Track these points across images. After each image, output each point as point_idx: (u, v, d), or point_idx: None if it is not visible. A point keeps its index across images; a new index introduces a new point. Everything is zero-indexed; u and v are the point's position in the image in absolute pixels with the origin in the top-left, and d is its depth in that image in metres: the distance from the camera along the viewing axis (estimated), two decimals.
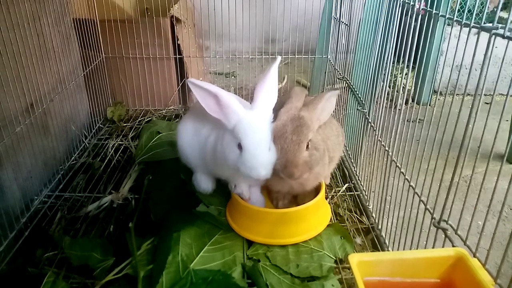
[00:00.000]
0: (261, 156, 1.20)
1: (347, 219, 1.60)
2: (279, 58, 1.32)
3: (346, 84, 2.11)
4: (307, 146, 1.25)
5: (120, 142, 2.19)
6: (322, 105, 1.33)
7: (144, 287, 1.18)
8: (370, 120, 1.67)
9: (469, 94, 0.93)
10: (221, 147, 1.28)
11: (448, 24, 1.30)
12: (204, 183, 1.54)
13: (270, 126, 1.25)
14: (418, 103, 3.29)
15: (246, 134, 1.19)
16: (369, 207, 1.66)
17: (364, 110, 1.73)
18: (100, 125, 2.40)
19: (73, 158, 1.99)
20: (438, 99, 3.14)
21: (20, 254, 1.38)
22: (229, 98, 1.22)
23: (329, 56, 2.60)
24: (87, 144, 2.16)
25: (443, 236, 1.07)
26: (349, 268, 1.24)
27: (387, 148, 1.45)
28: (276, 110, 1.38)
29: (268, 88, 1.27)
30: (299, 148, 1.23)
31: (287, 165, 1.22)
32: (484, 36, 0.89)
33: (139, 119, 2.49)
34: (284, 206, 1.48)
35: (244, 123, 1.21)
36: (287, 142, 1.23)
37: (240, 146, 1.20)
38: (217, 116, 1.24)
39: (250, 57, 2.82)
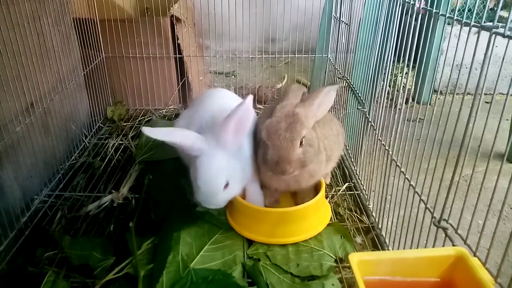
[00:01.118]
0: (212, 194, 1.26)
1: (347, 218, 1.60)
2: (250, 97, 1.27)
3: (346, 84, 2.11)
4: (301, 143, 1.25)
5: (120, 142, 2.19)
6: (319, 101, 1.32)
7: (144, 286, 1.18)
8: (370, 119, 1.67)
9: (469, 94, 0.93)
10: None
11: (448, 23, 1.30)
12: None
13: (233, 161, 1.28)
14: (418, 103, 3.29)
15: (199, 173, 1.24)
16: (369, 206, 1.66)
17: (364, 110, 1.73)
18: (100, 125, 2.40)
19: (73, 157, 1.99)
20: (438, 99, 3.14)
21: (20, 254, 1.38)
22: (198, 142, 1.24)
23: (329, 56, 2.59)
24: (87, 144, 2.16)
25: (444, 235, 1.07)
26: (349, 267, 1.24)
27: (387, 147, 1.45)
28: (272, 107, 1.37)
29: (237, 125, 1.26)
30: (292, 145, 1.22)
31: (280, 161, 1.22)
32: (484, 35, 0.89)
33: (139, 119, 2.49)
34: (271, 204, 1.48)
35: (201, 160, 1.25)
36: (280, 139, 1.22)
37: (195, 180, 1.26)
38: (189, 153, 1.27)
39: (250, 56, 2.82)
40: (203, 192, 1.26)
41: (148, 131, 1.21)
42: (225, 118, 1.25)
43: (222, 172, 1.26)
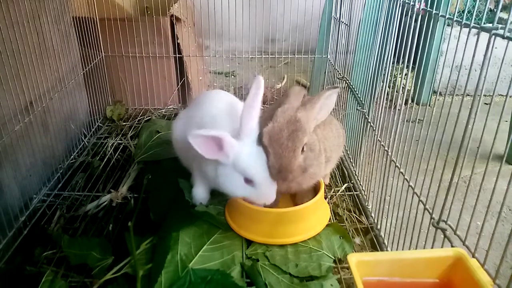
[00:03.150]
0: (273, 185, 1.25)
1: (346, 219, 1.60)
2: (261, 80, 1.27)
3: (346, 84, 2.11)
4: (302, 149, 1.25)
5: (120, 141, 2.19)
6: (320, 104, 1.32)
7: (143, 286, 1.18)
8: (369, 120, 1.67)
9: (468, 95, 0.93)
10: (220, 179, 1.28)
11: (448, 25, 1.30)
12: (199, 193, 1.50)
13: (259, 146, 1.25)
14: (417, 104, 3.28)
15: (252, 168, 1.21)
16: (368, 207, 1.66)
17: (364, 110, 1.73)
18: (100, 124, 2.40)
19: (72, 156, 1.99)
20: (438, 100, 3.14)
21: (18, 253, 1.38)
22: (231, 138, 1.20)
23: (329, 56, 2.60)
24: (86, 143, 2.15)
25: (442, 236, 1.07)
26: (348, 268, 1.24)
27: (386, 148, 1.45)
28: (274, 109, 1.37)
29: (254, 113, 1.26)
30: (294, 154, 1.23)
31: (282, 170, 1.22)
32: (484, 36, 0.89)
33: (138, 118, 2.49)
34: (270, 205, 1.47)
35: (245, 157, 1.22)
36: (283, 148, 1.22)
37: (248, 181, 1.23)
38: (215, 158, 1.23)
39: (250, 56, 2.82)
40: (266, 186, 1.23)
41: (196, 132, 1.17)
42: (245, 106, 1.23)
43: (264, 158, 1.23)
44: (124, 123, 2.43)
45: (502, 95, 3.46)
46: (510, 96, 0.86)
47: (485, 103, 0.84)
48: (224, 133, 1.19)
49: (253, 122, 1.25)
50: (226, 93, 1.63)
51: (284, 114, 1.27)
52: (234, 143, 1.21)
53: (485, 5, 0.97)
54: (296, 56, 2.73)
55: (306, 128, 1.25)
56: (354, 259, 0.96)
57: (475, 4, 0.99)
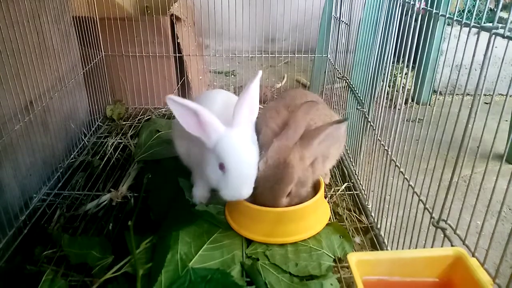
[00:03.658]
0: (245, 176, 1.18)
1: (346, 218, 1.60)
2: (260, 73, 1.27)
3: (346, 84, 2.11)
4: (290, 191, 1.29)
5: (120, 140, 2.19)
6: (319, 140, 1.30)
7: (143, 285, 1.18)
8: (369, 120, 1.67)
9: (468, 94, 0.93)
10: (203, 164, 1.25)
11: (448, 24, 1.30)
12: (199, 192, 1.48)
13: (253, 143, 1.23)
14: (417, 103, 3.28)
15: (228, 154, 1.16)
16: (368, 206, 1.66)
17: (364, 110, 1.73)
18: (100, 123, 2.40)
19: (72, 156, 1.99)
20: (438, 99, 3.14)
21: (18, 252, 1.38)
22: (210, 115, 1.17)
23: (329, 56, 2.59)
24: (86, 142, 2.15)
25: (442, 235, 1.08)
26: (348, 267, 1.23)
27: (386, 148, 1.45)
28: (276, 109, 1.37)
29: (249, 104, 1.24)
30: (281, 195, 1.27)
31: (269, 205, 1.28)
32: (484, 36, 0.89)
33: (138, 118, 2.49)
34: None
35: (225, 142, 1.17)
36: (269, 190, 1.26)
37: (222, 166, 1.17)
38: (196, 134, 1.19)
39: (250, 56, 2.82)
40: (237, 175, 1.17)
41: (172, 97, 1.14)
42: (240, 97, 1.23)
43: (251, 150, 1.19)
44: (124, 123, 2.43)
45: (502, 95, 3.46)
46: (510, 96, 0.86)
47: (485, 103, 0.84)
48: (202, 108, 1.15)
49: (245, 112, 1.22)
50: (228, 93, 1.62)
51: (278, 150, 1.27)
52: (216, 124, 1.17)
53: (485, 5, 0.97)
54: (296, 55, 2.73)
55: (294, 174, 1.26)
56: (354, 258, 0.96)
57: (475, 3, 0.99)
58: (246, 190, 1.19)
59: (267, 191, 1.26)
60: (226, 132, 1.18)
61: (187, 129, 1.18)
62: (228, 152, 1.17)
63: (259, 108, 1.32)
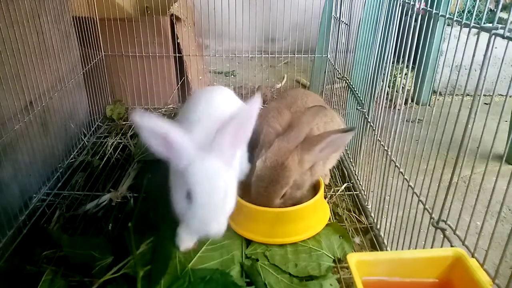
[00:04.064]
0: (214, 210, 0.99)
1: (346, 219, 1.60)
2: (258, 97, 1.04)
3: (346, 84, 2.11)
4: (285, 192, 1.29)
5: (119, 141, 2.18)
6: (321, 147, 1.30)
7: (142, 286, 1.18)
8: (369, 120, 1.67)
9: (468, 95, 0.93)
10: (171, 189, 1.09)
11: (448, 24, 1.30)
12: (184, 236, 1.27)
13: (231, 172, 1.06)
14: (417, 103, 3.28)
15: (196, 181, 0.98)
16: (368, 206, 1.66)
17: (364, 110, 1.73)
18: (99, 123, 2.40)
19: (72, 156, 1.99)
20: (438, 99, 3.14)
21: (18, 252, 1.38)
22: (180, 135, 0.99)
23: (329, 56, 2.59)
24: (86, 142, 2.15)
25: (442, 236, 1.07)
26: (348, 268, 1.24)
27: (386, 148, 1.45)
28: (278, 109, 1.36)
29: (236, 131, 1.04)
30: (274, 196, 1.28)
31: (262, 204, 1.28)
32: (484, 36, 0.89)
33: None
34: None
35: (196, 167, 0.99)
36: (263, 188, 1.26)
37: (189, 195, 0.99)
38: (165, 155, 1.03)
39: (250, 56, 2.81)
40: (204, 207, 0.98)
41: (137, 117, 0.95)
42: (224, 121, 1.04)
43: (223, 183, 1.01)
44: (124, 123, 2.43)
45: (502, 95, 3.45)
46: (510, 96, 0.86)
47: (485, 103, 0.84)
48: (171, 128, 0.98)
49: (227, 139, 1.03)
50: (231, 93, 1.52)
51: (277, 151, 1.28)
52: (187, 146, 1.00)
53: (485, 5, 0.97)
54: (296, 55, 2.73)
55: (293, 174, 1.27)
56: (354, 258, 0.96)
57: (475, 4, 0.99)
58: (215, 225, 0.99)
59: (262, 190, 1.26)
60: (199, 156, 1.01)
61: (154, 149, 1.01)
62: (196, 179, 0.99)
63: (261, 108, 1.30)
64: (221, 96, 1.46)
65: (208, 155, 1.01)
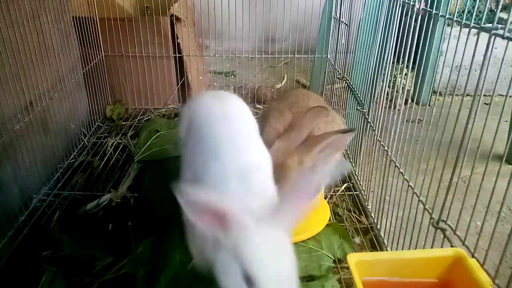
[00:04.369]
0: None
1: (346, 219, 1.60)
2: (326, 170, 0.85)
3: (346, 84, 2.11)
4: None
5: (119, 141, 2.19)
6: (321, 148, 1.29)
7: (142, 286, 1.18)
8: (369, 120, 1.67)
9: (468, 95, 0.94)
10: (216, 263, 0.84)
11: (448, 25, 1.30)
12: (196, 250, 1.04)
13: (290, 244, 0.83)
14: (417, 103, 3.29)
15: (261, 267, 0.76)
16: (368, 207, 1.66)
17: (364, 110, 1.73)
18: (99, 124, 2.40)
19: (72, 156, 1.99)
20: (438, 100, 3.14)
21: (18, 252, 1.38)
22: (238, 212, 0.78)
23: (329, 56, 2.59)
24: (86, 143, 2.15)
25: (442, 236, 1.07)
26: (348, 268, 1.24)
27: (386, 148, 1.45)
28: (279, 110, 1.36)
29: (298, 198, 0.83)
30: None
31: None
32: (484, 36, 0.89)
33: (138, 118, 2.49)
34: None
35: (256, 246, 0.78)
36: None
37: (249, 281, 0.76)
38: (212, 234, 0.81)
39: (250, 56, 2.81)
40: None
41: (189, 194, 0.75)
42: (289, 190, 0.83)
43: (291, 262, 0.80)
44: (124, 123, 2.43)
45: (502, 95, 3.45)
46: (510, 96, 0.86)
47: (485, 103, 0.84)
48: (232, 205, 0.79)
49: (291, 205, 0.83)
50: (242, 103, 1.26)
51: (278, 152, 1.27)
52: (244, 222, 0.79)
53: (485, 5, 0.97)
54: (296, 56, 2.73)
55: (290, 177, 1.25)
56: (354, 259, 0.96)
57: (475, 4, 0.99)
58: None
59: None
60: (257, 231, 0.79)
61: (200, 227, 0.80)
62: (259, 264, 0.77)
63: (260, 108, 1.30)
64: (239, 110, 1.21)
65: (268, 225, 0.80)
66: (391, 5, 1.42)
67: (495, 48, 0.88)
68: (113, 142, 2.16)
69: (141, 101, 2.67)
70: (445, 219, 1.09)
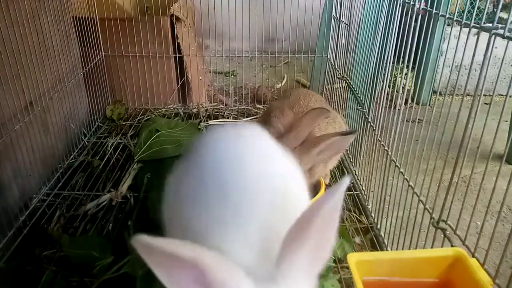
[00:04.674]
0: None
1: (346, 219, 1.60)
2: (343, 188, 0.56)
3: (346, 84, 2.11)
4: None
5: (119, 141, 2.19)
6: (319, 149, 1.27)
7: (142, 286, 1.18)
8: (369, 120, 1.67)
9: (468, 95, 0.94)
10: None
11: (448, 24, 1.30)
12: None
13: None
14: (417, 103, 3.29)
15: None
16: (368, 206, 1.66)
17: (364, 110, 1.73)
18: (100, 124, 2.40)
19: (72, 156, 1.99)
20: (438, 99, 3.14)
21: (19, 252, 1.38)
22: (226, 268, 0.54)
23: (329, 56, 2.59)
24: (86, 143, 2.15)
25: (442, 236, 1.07)
26: (348, 268, 1.24)
27: (386, 148, 1.45)
28: (280, 109, 1.36)
29: (313, 248, 0.58)
30: None
31: None
32: (484, 36, 0.89)
33: (138, 118, 2.49)
34: None
35: None
36: None
37: None
38: None
39: (250, 56, 2.82)
40: None
41: (143, 241, 0.55)
42: (296, 229, 0.57)
43: None
44: (124, 123, 2.43)
45: (502, 95, 3.45)
46: (510, 96, 0.86)
47: (485, 103, 0.84)
48: (206, 252, 0.53)
49: (303, 260, 0.58)
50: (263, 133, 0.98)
51: None
52: (240, 283, 0.54)
53: (485, 5, 0.97)
54: (296, 55, 2.73)
55: None
56: (354, 258, 0.96)
57: (475, 3, 0.99)
58: None
59: None
60: None
61: (168, 285, 0.57)
62: None
63: (260, 108, 1.30)
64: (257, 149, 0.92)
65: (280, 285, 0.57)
66: (391, 5, 1.42)
67: (495, 47, 0.88)
68: (113, 142, 2.16)
69: (141, 101, 2.67)
70: (445, 219, 1.09)
